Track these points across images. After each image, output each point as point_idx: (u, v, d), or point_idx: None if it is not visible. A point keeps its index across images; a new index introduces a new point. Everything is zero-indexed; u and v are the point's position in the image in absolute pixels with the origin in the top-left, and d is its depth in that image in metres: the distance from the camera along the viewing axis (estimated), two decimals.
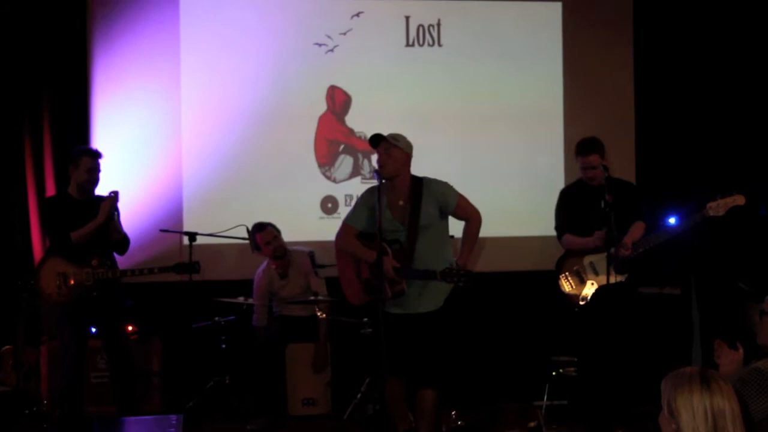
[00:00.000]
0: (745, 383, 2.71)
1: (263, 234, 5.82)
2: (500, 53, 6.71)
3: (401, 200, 4.42)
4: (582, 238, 4.92)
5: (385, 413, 4.63)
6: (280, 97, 6.48)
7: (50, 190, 6.10)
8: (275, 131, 6.49)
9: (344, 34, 6.55)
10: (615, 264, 4.71)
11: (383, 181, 4.35)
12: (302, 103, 6.53)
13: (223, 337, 5.79)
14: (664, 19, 6.78)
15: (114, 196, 5.02)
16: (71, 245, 4.94)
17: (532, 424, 5.32)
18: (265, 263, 5.97)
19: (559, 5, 6.78)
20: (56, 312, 5.15)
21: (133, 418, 4.93)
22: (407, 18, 6.63)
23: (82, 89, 6.25)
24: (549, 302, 5.23)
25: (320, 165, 6.57)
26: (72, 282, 4.98)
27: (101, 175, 5.10)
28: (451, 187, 4.49)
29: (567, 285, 4.99)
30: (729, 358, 2.92)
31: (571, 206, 5.07)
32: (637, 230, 4.89)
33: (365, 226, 4.50)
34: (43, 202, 5.93)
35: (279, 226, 5.89)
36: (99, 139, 6.19)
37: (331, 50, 6.55)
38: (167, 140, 6.37)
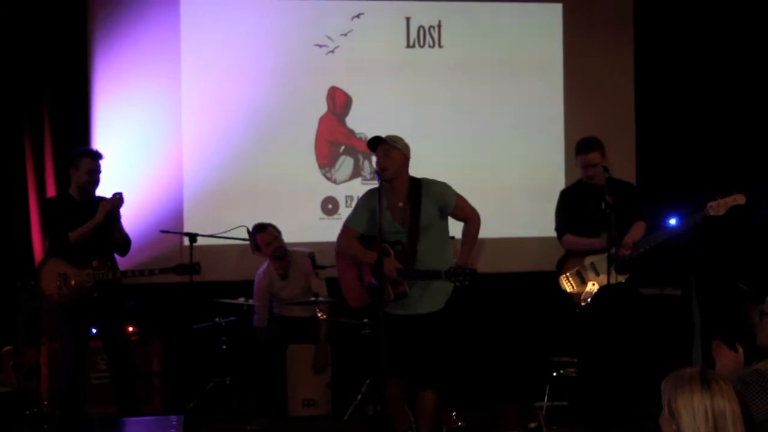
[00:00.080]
0: (746, 385, 2.70)
1: (264, 235, 5.82)
2: (501, 54, 6.71)
3: (401, 202, 4.41)
4: (587, 239, 4.91)
5: (385, 414, 4.63)
6: (280, 98, 6.48)
7: (50, 190, 6.10)
8: (276, 132, 6.48)
9: (345, 35, 6.55)
10: (616, 264, 4.71)
11: (383, 182, 4.35)
12: (303, 104, 6.53)
13: (224, 338, 5.80)
14: (665, 20, 6.78)
15: (119, 198, 5.02)
16: (70, 245, 4.94)
17: (532, 425, 5.33)
18: (265, 264, 5.96)
19: (559, 6, 6.78)
20: (57, 313, 5.15)
21: (133, 419, 4.92)
22: (408, 19, 6.63)
23: (82, 89, 6.25)
24: (549, 303, 5.24)
25: (321, 166, 6.56)
26: (73, 283, 4.98)
27: (101, 176, 5.10)
28: (450, 187, 4.48)
29: (568, 285, 4.99)
30: (726, 358, 2.92)
31: (572, 207, 5.07)
32: (637, 230, 4.89)
33: (366, 228, 4.49)
34: (43, 202, 5.93)
35: (279, 226, 5.89)
36: (99, 140, 6.19)
37: (332, 51, 6.55)
38: (168, 141, 6.36)
